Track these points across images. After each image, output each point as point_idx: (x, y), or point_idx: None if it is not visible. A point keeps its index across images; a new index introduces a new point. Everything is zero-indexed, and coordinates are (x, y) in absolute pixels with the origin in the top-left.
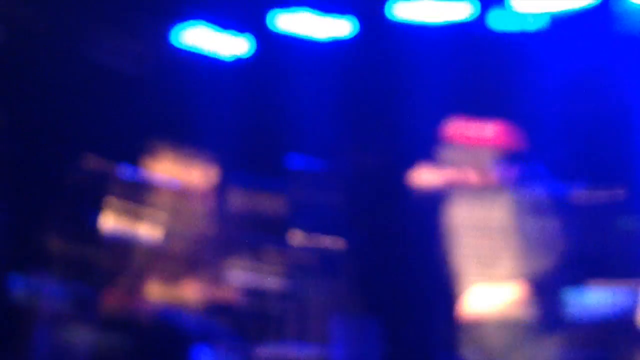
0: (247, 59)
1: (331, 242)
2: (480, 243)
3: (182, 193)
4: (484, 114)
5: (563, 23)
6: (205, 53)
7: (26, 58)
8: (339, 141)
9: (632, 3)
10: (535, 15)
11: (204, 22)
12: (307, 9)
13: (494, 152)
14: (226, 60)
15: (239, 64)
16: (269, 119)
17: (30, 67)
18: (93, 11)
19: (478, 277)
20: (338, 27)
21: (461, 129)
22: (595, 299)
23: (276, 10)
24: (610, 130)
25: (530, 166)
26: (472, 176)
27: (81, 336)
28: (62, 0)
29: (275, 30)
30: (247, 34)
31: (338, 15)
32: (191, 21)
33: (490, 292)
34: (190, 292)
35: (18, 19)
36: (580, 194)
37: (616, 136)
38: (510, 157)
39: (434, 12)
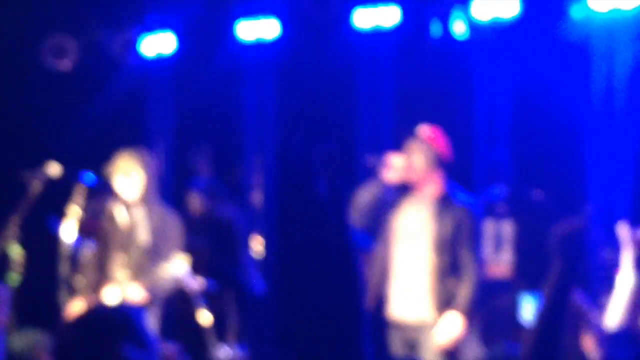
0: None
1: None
2: (417, 244)
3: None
4: (425, 119)
5: (507, 31)
6: (142, 54)
7: None
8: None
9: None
10: (482, 24)
11: (141, 26)
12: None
13: (432, 155)
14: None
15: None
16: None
17: None
18: (36, 15)
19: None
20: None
21: (402, 135)
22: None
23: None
24: (556, 135)
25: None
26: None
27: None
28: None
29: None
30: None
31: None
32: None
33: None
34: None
35: None
36: (522, 199)
37: (561, 141)
38: (447, 165)
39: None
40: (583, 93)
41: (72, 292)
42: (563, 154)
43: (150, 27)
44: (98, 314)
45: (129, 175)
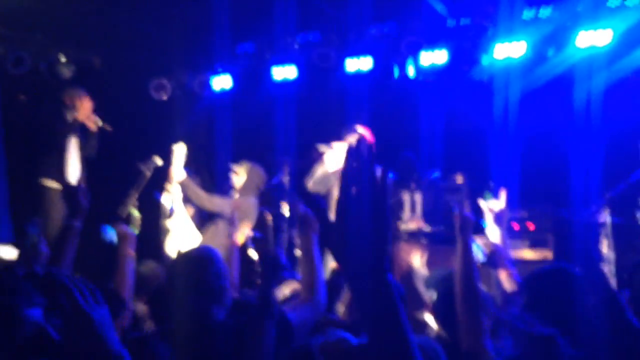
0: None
1: None
2: None
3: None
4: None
5: (439, 74)
6: (212, 89)
7: (95, 89)
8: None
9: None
10: (425, 68)
11: (211, 71)
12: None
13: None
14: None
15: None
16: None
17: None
18: (145, 64)
19: None
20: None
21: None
22: None
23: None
24: (471, 139)
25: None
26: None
27: None
28: (123, 50)
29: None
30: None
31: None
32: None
33: None
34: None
35: (86, 61)
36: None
37: (474, 143)
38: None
39: (360, 65)
40: (488, 113)
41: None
42: (475, 151)
43: (216, 72)
44: (194, 253)
45: (238, 174)
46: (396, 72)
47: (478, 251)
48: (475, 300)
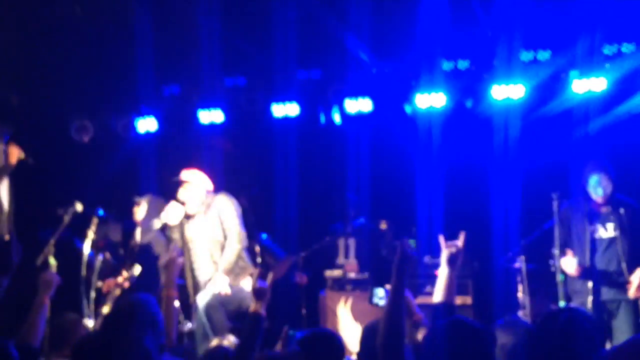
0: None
1: None
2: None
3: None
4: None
5: (365, 120)
6: (137, 131)
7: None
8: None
9: None
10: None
11: (136, 113)
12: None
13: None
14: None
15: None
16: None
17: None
18: (67, 105)
19: None
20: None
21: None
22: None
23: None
24: (399, 182)
25: None
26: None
27: None
28: (43, 88)
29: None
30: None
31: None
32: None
33: None
34: None
35: (3, 98)
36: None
37: (401, 185)
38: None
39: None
40: (415, 159)
41: (88, 286)
42: (402, 194)
43: (141, 113)
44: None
45: (139, 206)
46: (322, 118)
47: (382, 297)
48: (397, 341)
